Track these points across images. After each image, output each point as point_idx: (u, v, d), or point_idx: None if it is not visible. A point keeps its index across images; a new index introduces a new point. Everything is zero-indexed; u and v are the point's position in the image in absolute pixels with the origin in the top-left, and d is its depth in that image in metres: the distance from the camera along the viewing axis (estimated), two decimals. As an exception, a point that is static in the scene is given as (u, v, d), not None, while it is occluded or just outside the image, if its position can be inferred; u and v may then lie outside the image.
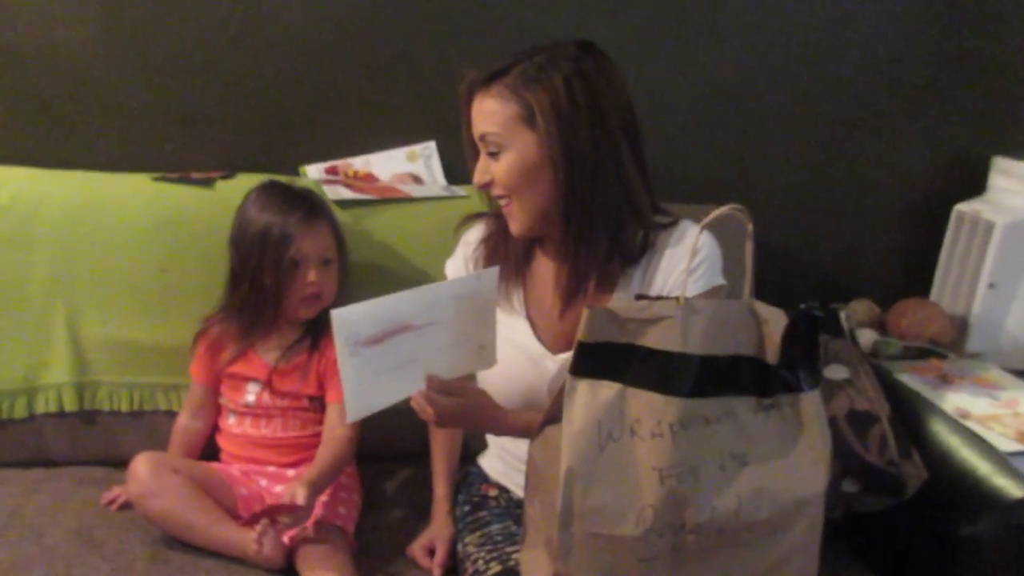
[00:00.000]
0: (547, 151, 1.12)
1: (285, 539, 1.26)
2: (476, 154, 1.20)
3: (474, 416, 1.16)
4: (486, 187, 1.19)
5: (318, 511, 1.31)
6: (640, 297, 0.97)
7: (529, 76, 1.11)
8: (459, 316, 1.09)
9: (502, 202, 1.20)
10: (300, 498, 1.22)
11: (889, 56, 1.79)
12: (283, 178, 1.52)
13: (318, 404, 1.45)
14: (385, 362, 1.05)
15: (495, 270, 1.12)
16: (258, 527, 1.22)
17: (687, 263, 1.08)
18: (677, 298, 0.96)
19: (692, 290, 1.16)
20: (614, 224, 1.17)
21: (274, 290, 1.38)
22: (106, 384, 1.51)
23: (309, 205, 1.41)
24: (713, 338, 0.95)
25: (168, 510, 1.28)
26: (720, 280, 1.20)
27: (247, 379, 1.43)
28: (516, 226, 1.20)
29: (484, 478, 1.39)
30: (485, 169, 1.18)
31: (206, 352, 1.45)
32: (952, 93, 1.83)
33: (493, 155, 1.15)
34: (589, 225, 1.15)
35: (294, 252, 1.36)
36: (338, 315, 1.00)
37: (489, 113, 1.14)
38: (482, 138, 1.16)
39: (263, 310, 1.40)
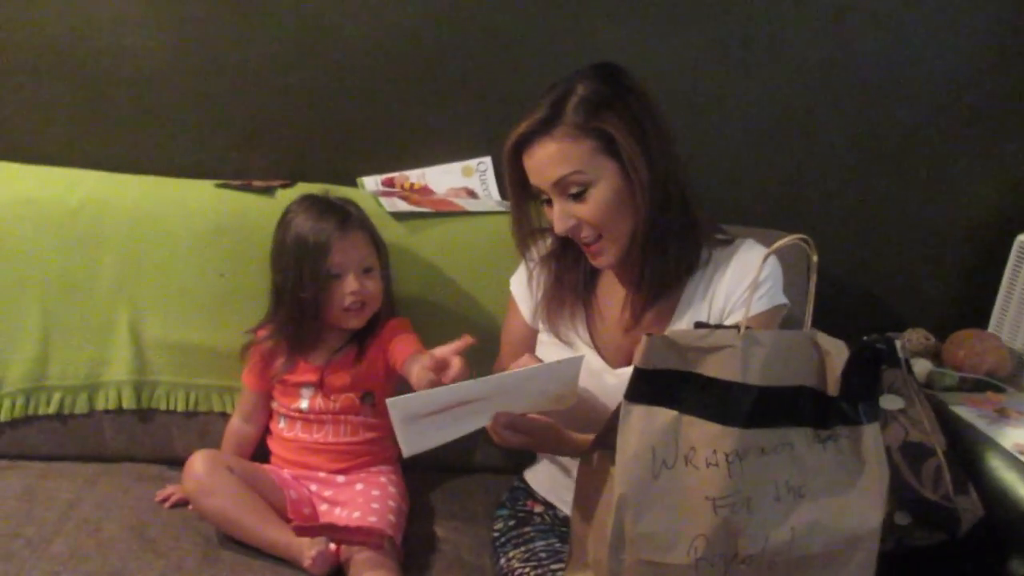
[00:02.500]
0: (633, 171, 1.11)
1: (332, 547, 1.28)
2: (523, 206, 1.22)
3: (541, 446, 1.18)
4: (572, 232, 1.16)
5: (367, 518, 1.33)
6: (700, 325, 0.96)
7: (589, 107, 1.11)
8: (532, 391, 1.09)
9: (587, 242, 1.17)
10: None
11: (952, 81, 1.75)
12: (319, 189, 1.53)
13: (369, 405, 1.46)
14: (446, 421, 1.04)
15: (580, 360, 1.11)
16: (312, 551, 1.24)
17: (749, 283, 1.07)
18: (738, 327, 0.95)
19: (755, 309, 1.16)
20: (681, 236, 1.17)
21: (314, 304, 1.39)
22: (164, 384, 1.55)
23: (342, 215, 1.41)
24: (773, 369, 0.95)
25: (222, 508, 1.31)
26: (782, 299, 1.20)
27: (300, 385, 1.46)
28: (608, 260, 1.19)
29: (530, 494, 1.39)
30: (568, 214, 1.15)
31: (259, 361, 1.48)
32: (1017, 120, 1.79)
33: (577, 196, 1.13)
34: (664, 240, 1.15)
35: (330, 264, 1.37)
36: (394, 403, 0.99)
37: (562, 156, 1.11)
38: (560, 183, 1.13)
39: (306, 324, 1.42)
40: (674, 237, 1.16)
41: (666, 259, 1.17)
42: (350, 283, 1.38)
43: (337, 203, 1.45)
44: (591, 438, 1.12)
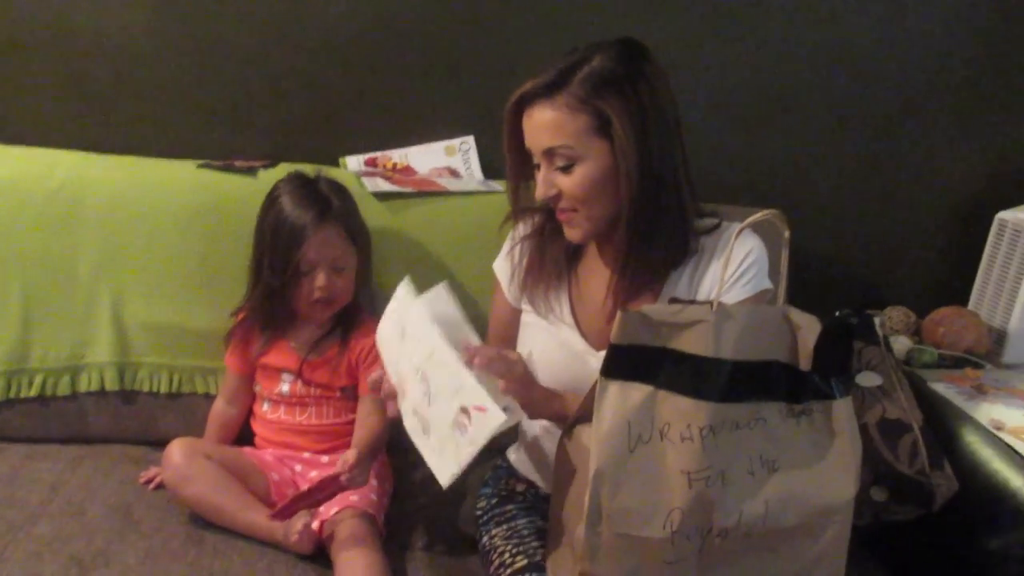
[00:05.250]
0: (622, 159, 1.09)
1: (315, 526, 1.29)
2: (520, 167, 1.20)
3: (533, 397, 1.12)
4: (551, 200, 1.16)
5: (348, 496, 1.34)
6: (674, 300, 0.97)
7: (596, 83, 1.09)
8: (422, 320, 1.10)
9: (564, 213, 1.17)
10: (351, 457, 1.25)
11: (933, 59, 1.76)
12: (312, 169, 1.52)
13: (351, 393, 1.47)
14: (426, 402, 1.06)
15: (444, 287, 1.14)
16: (298, 524, 1.25)
17: (733, 267, 1.07)
18: (711, 302, 0.96)
19: (742, 294, 1.16)
20: (672, 227, 1.16)
21: (281, 292, 1.40)
22: (146, 365, 1.55)
23: (322, 207, 1.39)
24: (746, 343, 0.96)
25: (201, 495, 1.32)
26: (767, 284, 1.19)
27: (280, 370, 1.46)
28: (578, 234, 1.18)
29: (512, 472, 1.40)
30: (551, 182, 1.14)
31: (239, 343, 1.48)
32: (997, 99, 1.80)
33: (564, 169, 1.13)
34: (651, 230, 1.14)
35: (301, 259, 1.37)
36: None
37: (556, 125, 1.11)
38: (549, 152, 1.12)
39: (276, 308, 1.43)
40: (663, 227, 1.15)
41: (652, 248, 1.16)
42: (319, 279, 1.38)
43: (322, 191, 1.43)
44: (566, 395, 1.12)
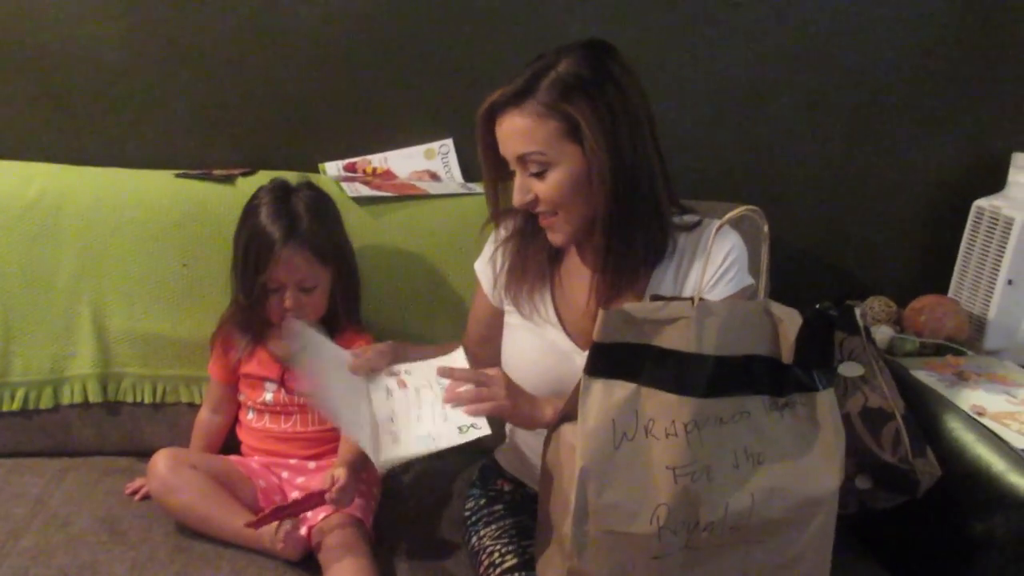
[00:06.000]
0: (594, 161, 1.10)
1: (303, 531, 1.29)
2: (496, 171, 1.20)
3: (520, 404, 1.13)
4: (529, 205, 1.17)
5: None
6: (656, 298, 0.97)
7: (562, 88, 1.09)
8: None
9: (544, 218, 1.18)
10: (342, 477, 1.25)
11: (908, 51, 1.77)
12: (296, 177, 1.50)
13: None
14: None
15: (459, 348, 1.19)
16: (282, 530, 1.25)
17: (715, 267, 1.09)
18: (692, 299, 0.96)
19: (725, 291, 1.17)
20: (649, 225, 1.17)
21: (251, 307, 1.40)
22: (130, 376, 1.54)
23: (291, 226, 1.36)
24: (728, 338, 0.96)
25: (187, 505, 1.31)
26: (749, 280, 1.21)
27: (263, 379, 1.46)
28: (560, 238, 1.19)
29: (500, 472, 1.40)
30: (527, 188, 1.15)
31: (221, 351, 1.48)
32: (972, 88, 1.81)
33: (538, 175, 1.13)
34: (628, 229, 1.15)
35: (267, 279, 1.36)
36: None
37: (526, 133, 1.11)
38: (522, 159, 1.13)
39: (250, 318, 1.43)
40: (640, 226, 1.16)
41: (630, 247, 1.17)
42: (286, 299, 1.38)
43: (295, 208, 1.39)
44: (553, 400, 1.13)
